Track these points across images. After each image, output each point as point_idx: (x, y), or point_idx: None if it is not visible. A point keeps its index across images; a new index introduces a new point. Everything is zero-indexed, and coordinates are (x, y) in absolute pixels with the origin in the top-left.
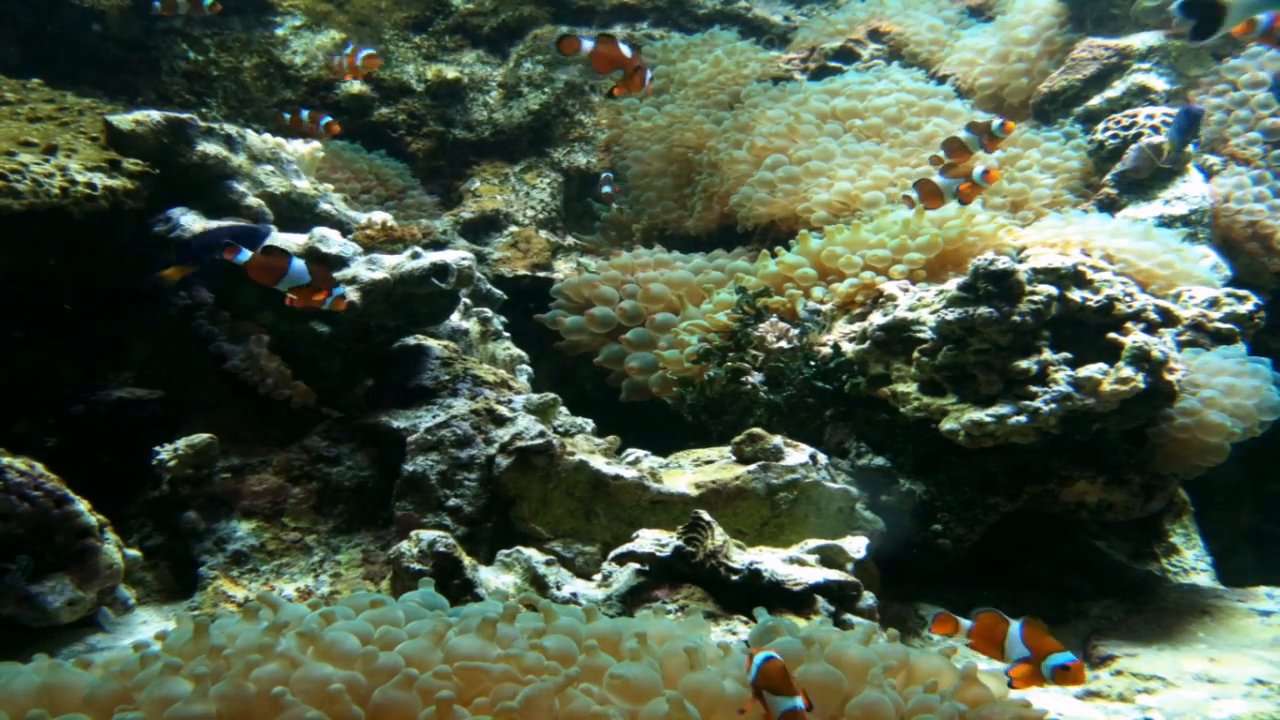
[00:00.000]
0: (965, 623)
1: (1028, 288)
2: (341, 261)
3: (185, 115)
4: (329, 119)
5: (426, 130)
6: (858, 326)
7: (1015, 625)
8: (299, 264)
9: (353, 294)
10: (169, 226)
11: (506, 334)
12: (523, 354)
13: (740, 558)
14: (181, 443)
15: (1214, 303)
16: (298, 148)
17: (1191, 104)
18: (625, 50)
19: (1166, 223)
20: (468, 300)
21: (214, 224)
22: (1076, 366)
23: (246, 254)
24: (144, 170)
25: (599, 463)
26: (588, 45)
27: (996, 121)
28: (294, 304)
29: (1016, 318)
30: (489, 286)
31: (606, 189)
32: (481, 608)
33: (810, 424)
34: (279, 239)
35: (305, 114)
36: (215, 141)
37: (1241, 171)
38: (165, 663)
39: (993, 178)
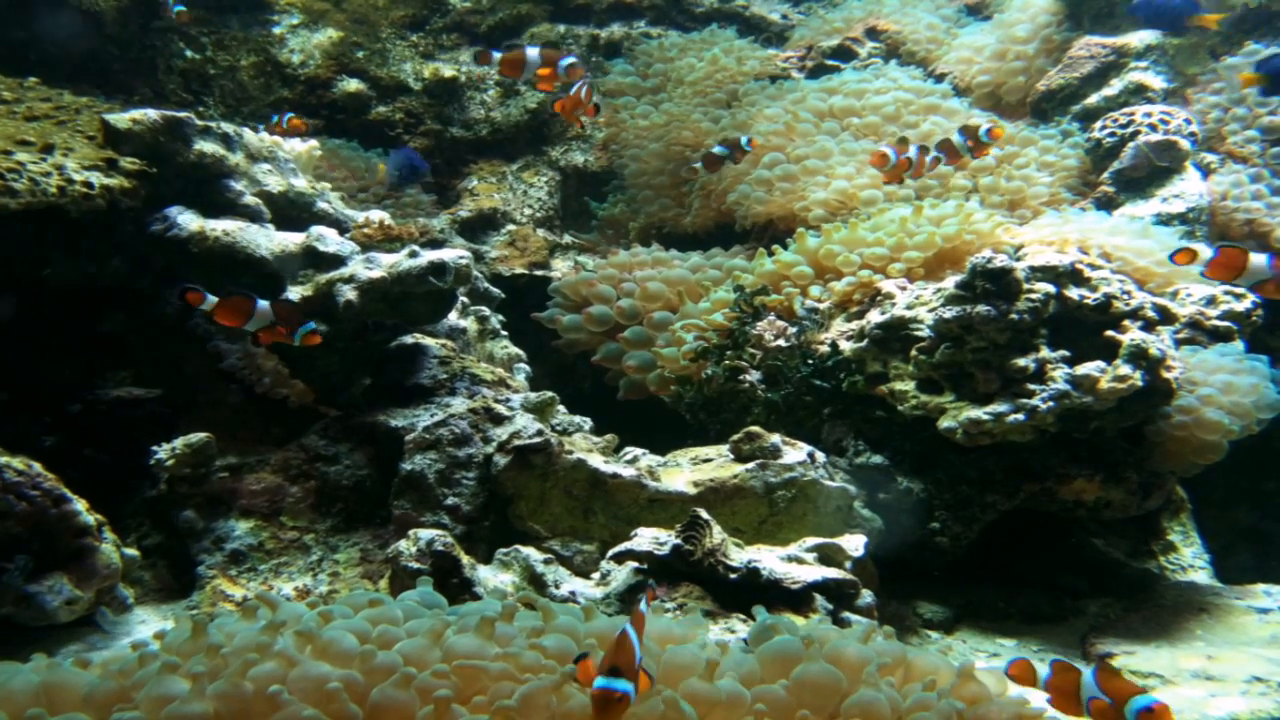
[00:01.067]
0: (1042, 671)
1: (1025, 286)
2: (339, 260)
3: (182, 114)
4: (290, 114)
5: (424, 129)
6: (855, 325)
7: (1088, 672)
8: (264, 304)
9: (350, 293)
10: (166, 225)
11: (504, 332)
12: (521, 352)
13: (738, 556)
14: (179, 442)
15: (1211, 300)
16: (295, 146)
17: None
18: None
19: (1164, 221)
20: (465, 299)
21: (218, 222)
22: (1074, 364)
23: (212, 299)
24: (141, 169)
25: (597, 461)
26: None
27: (985, 127)
28: (261, 342)
29: (1014, 316)
30: (487, 285)
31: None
32: (480, 606)
33: (808, 422)
34: (278, 239)
35: (275, 119)
36: (212, 140)
37: (1239, 169)
38: (163, 662)
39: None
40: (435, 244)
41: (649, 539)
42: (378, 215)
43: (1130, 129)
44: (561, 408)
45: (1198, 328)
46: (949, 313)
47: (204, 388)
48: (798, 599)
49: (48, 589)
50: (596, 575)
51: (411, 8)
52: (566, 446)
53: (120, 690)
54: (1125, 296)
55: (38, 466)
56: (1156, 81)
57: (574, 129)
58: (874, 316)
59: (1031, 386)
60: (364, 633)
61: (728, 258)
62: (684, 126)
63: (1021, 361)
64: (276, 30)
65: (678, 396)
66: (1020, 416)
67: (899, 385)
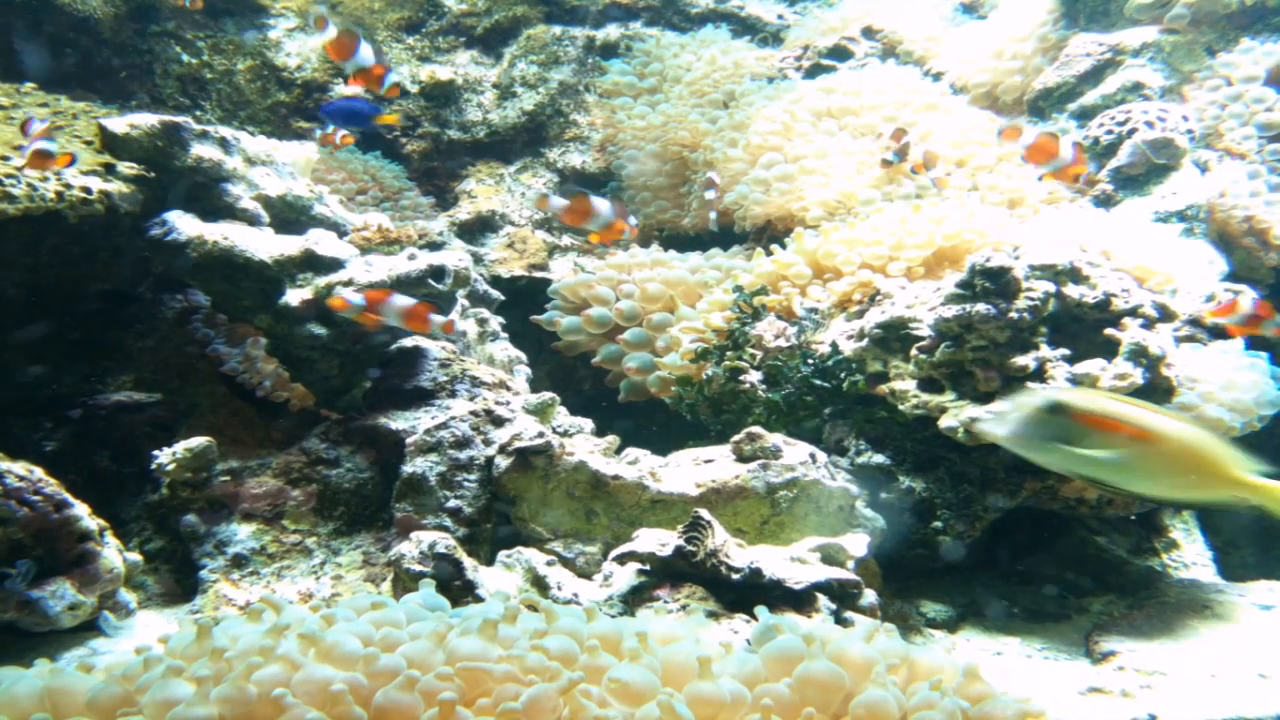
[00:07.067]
0: None
1: (1024, 284)
2: (337, 263)
3: (179, 118)
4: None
5: (421, 131)
6: (855, 324)
7: None
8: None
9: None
10: (164, 230)
11: (504, 335)
12: (521, 355)
13: (741, 556)
14: (180, 446)
15: (1211, 298)
16: (293, 150)
17: None
18: (601, 206)
19: (1163, 218)
20: (465, 301)
21: (216, 226)
22: (1074, 363)
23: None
24: (139, 174)
25: (598, 462)
26: (558, 203)
27: None
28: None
29: (1014, 314)
30: (486, 287)
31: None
32: (483, 609)
33: (809, 422)
34: (276, 243)
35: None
36: (210, 144)
37: (1237, 166)
38: (167, 665)
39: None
40: (434, 247)
41: (651, 540)
42: (376, 218)
43: (1128, 126)
44: (562, 409)
45: (1198, 325)
46: (949, 312)
47: (204, 392)
48: (801, 599)
49: (50, 594)
50: (599, 577)
51: (407, 11)
52: (568, 448)
53: (124, 694)
54: (1125, 294)
55: (39, 471)
56: (1154, 79)
57: (571, 130)
58: (874, 316)
59: (1032, 385)
60: (367, 635)
61: (727, 258)
62: (681, 127)
63: (1022, 360)
64: (272, 34)
65: (678, 397)
66: None
67: (899, 384)
